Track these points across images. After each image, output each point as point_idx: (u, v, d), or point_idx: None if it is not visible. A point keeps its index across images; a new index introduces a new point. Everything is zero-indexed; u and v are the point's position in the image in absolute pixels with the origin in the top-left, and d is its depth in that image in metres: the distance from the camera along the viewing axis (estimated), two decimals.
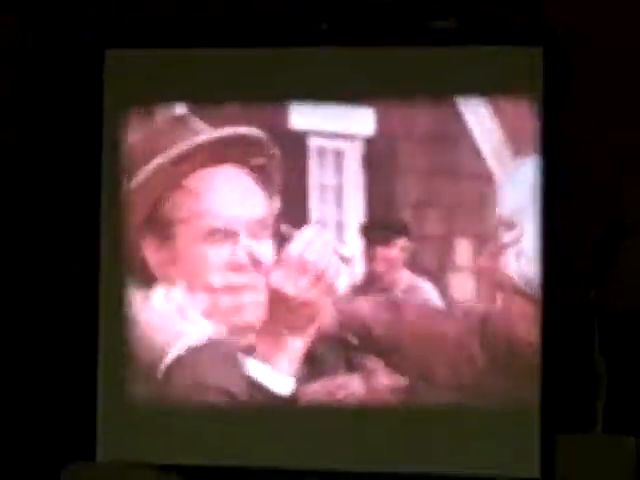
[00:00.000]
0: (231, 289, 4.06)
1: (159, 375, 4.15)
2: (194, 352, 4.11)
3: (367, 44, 4.13)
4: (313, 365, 4.08)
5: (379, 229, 4.05)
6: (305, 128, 4.10)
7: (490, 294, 4.02)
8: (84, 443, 4.12)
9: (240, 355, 4.09)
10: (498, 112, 4.00)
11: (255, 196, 4.05)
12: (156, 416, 4.16)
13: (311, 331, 4.06)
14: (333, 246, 4.01)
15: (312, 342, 4.07)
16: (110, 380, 4.20)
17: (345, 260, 3.99)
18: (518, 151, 4.01)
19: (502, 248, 4.02)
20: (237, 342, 4.09)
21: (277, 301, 3.99)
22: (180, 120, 4.15)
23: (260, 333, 4.06)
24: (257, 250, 4.03)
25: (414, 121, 4.09)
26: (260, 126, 4.08)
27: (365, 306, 4.06)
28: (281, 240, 4.02)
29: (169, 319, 4.18)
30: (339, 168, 4.07)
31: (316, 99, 4.14)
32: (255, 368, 4.07)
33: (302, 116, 4.13)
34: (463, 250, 4.03)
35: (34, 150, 4.38)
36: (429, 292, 4.09)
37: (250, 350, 4.06)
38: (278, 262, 4.01)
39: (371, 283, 4.04)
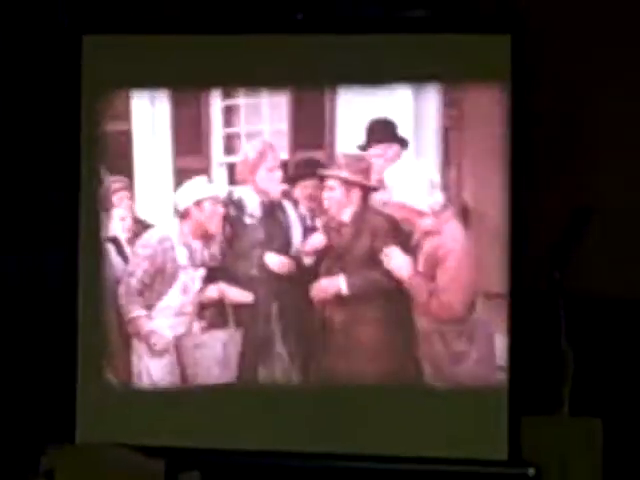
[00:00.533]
0: None
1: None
2: None
3: (341, 32, 4.05)
4: None
5: None
6: None
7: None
8: (63, 427, 4.09)
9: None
10: (466, 97, 4.00)
11: None
12: (133, 398, 4.15)
13: None
14: None
15: None
16: (88, 363, 4.11)
17: None
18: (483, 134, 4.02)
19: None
20: None
21: None
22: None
23: None
24: None
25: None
26: None
27: None
28: None
29: None
30: None
31: (288, 84, 4.08)
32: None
33: None
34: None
35: (13, 135, 4.29)
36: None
37: None
38: None
39: None
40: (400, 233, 4.03)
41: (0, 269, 4.33)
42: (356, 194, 4.05)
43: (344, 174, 4.04)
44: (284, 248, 4.10)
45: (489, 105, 3.98)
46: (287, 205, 4.10)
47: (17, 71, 4.34)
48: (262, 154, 4.08)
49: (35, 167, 4.36)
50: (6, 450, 4.10)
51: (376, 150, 4.03)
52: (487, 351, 3.98)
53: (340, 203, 4.05)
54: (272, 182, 4.09)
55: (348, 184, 4.05)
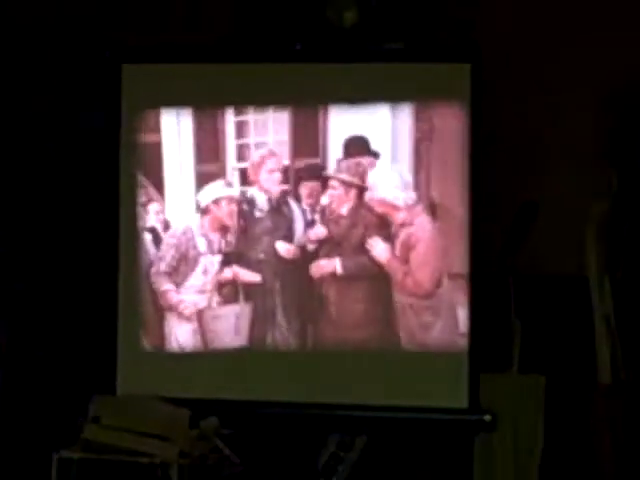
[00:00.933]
0: None
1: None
2: None
3: (331, 61, 4.13)
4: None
5: None
6: None
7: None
8: (107, 382, 4.12)
9: None
10: (434, 113, 4.05)
11: None
12: (163, 359, 4.20)
13: None
14: None
15: None
16: (127, 330, 4.20)
17: None
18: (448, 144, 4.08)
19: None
20: None
21: None
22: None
23: None
24: None
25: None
26: None
27: None
28: None
29: None
30: None
31: (289, 103, 4.12)
32: None
33: None
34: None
35: (65, 144, 4.35)
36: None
37: None
38: None
39: None
40: (383, 225, 4.06)
41: (62, 255, 4.29)
42: (353, 193, 4.08)
43: (344, 176, 4.09)
44: (289, 237, 4.13)
45: (452, 121, 4.04)
46: (291, 202, 4.13)
47: (69, 92, 4.34)
48: (263, 159, 4.11)
49: (83, 172, 4.36)
50: (62, 401, 4.07)
51: (360, 159, 4.08)
52: (451, 321, 4.04)
53: (340, 199, 4.09)
54: (272, 182, 4.12)
55: (346, 184, 4.08)
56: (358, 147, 4.11)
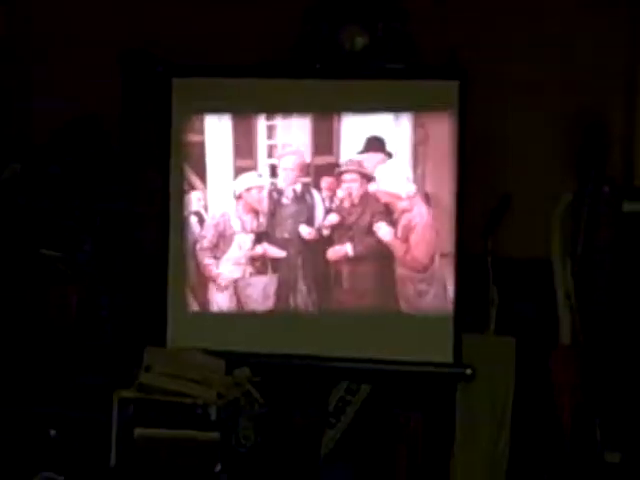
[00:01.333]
0: None
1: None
2: None
3: (345, 78, 4.21)
4: None
5: None
6: None
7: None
8: (159, 337, 4.18)
9: None
10: (429, 122, 4.11)
11: None
12: (205, 318, 4.26)
13: None
14: None
15: None
16: (177, 295, 4.25)
17: None
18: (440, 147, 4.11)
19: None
20: None
21: None
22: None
23: None
24: None
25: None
26: None
27: None
28: None
29: None
30: None
31: (310, 112, 4.19)
32: None
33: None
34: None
35: (130, 144, 4.36)
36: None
37: None
38: None
39: None
40: (387, 212, 4.12)
41: (128, 232, 4.29)
42: (361, 185, 4.14)
43: (353, 167, 4.14)
44: (310, 221, 4.18)
45: (443, 127, 4.09)
46: (313, 192, 4.18)
47: (133, 101, 4.33)
48: (285, 157, 4.21)
49: (140, 166, 4.36)
50: (124, 352, 4.08)
51: (370, 155, 4.14)
52: (441, 290, 4.09)
53: (351, 191, 4.15)
54: (294, 176, 4.20)
55: (356, 175, 4.14)
56: (375, 145, 4.14)
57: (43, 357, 3.80)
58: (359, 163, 4.17)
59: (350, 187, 4.16)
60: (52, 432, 3.67)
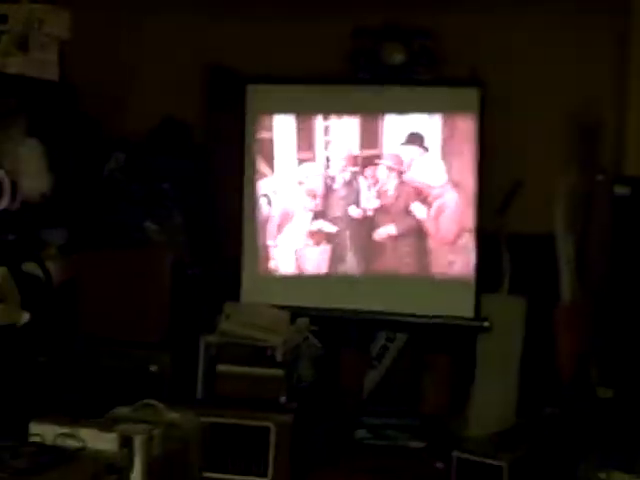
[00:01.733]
0: None
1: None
2: None
3: (387, 84, 4.30)
4: None
5: None
6: None
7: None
8: (234, 294, 4.27)
9: None
10: (455, 121, 4.22)
11: None
12: (272, 280, 4.37)
13: None
14: None
15: None
16: (249, 262, 4.36)
17: None
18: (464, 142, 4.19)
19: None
20: None
21: None
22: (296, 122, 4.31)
23: None
24: None
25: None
26: None
27: None
28: None
29: None
30: None
31: (358, 113, 4.28)
32: None
33: None
34: None
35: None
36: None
37: None
38: None
39: None
40: (422, 196, 4.23)
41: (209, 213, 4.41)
42: (397, 174, 4.25)
43: (390, 163, 4.25)
44: (357, 203, 4.30)
45: (467, 126, 4.18)
46: (360, 179, 4.29)
47: (214, 106, 4.48)
48: (337, 150, 4.31)
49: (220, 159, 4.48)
50: (209, 305, 4.12)
51: (409, 148, 4.24)
52: (465, 259, 4.19)
53: (389, 179, 4.26)
54: (344, 166, 4.31)
55: (392, 169, 4.25)
56: (414, 139, 4.22)
57: (146, 307, 3.91)
58: (398, 155, 4.24)
59: (389, 175, 4.26)
60: (152, 368, 3.80)
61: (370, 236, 4.29)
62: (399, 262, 4.27)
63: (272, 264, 4.39)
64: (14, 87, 3.67)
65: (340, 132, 4.32)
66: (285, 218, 4.37)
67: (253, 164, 4.36)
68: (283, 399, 3.81)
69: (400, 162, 4.26)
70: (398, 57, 4.31)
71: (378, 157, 4.28)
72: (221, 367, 3.93)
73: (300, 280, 4.35)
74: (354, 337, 4.30)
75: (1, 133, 3.66)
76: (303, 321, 4.10)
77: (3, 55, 3.64)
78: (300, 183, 4.36)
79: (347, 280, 4.29)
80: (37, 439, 2.96)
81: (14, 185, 3.56)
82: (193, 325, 4.04)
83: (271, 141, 4.37)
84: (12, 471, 2.76)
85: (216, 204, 4.42)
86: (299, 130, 4.33)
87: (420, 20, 4.29)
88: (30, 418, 2.96)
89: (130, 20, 4.53)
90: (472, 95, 4.17)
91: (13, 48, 3.67)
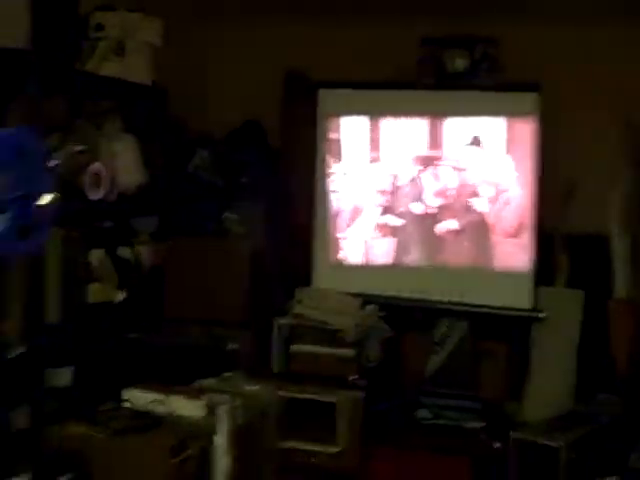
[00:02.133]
0: None
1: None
2: None
3: (450, 89, 4.34)
4: None
5: None
6: None
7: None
8: (306, 281, 4.36)
9: None
10: (515, 124, 4.23)
11: None
12: (342, 269, 4.41)
13: None
14: None
15: None
16: (321, 251, 4.42)
17: None
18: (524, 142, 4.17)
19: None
20: None
21: None
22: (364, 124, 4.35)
23: None
24: None
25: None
26: None
27: None
28: None
29: None
30: None
31: (425, 115, 4.28)
32: None
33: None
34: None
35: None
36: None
37: None
38: None
39: None
40: (482, 194, 4.24)
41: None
42: (459, 174, 4.29)
43: (453, 163, 4.30)
44: (420, 200, 4.35)
45: (526, 127, 4.18)
46: (423, 177, 4.33)
47: (288, 108, 4.52)
48: (402, 150, 4.34)
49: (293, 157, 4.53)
50: (283, 290, 4.23)
51: (472, 149, 4.27)
52: (524, 254, 4.18)
53: (451, 178, 4.30)
54: (409, 165, 4.35)
55: (454, 168, 4.29)
56: (476, 141, 4.25)
57: (227, 290, 4.00)
58: (461, 156, 4.28)
59: (452, 174, 4.30)
60: (232, 345, 3.91)
61: (432, 230, 4.33)
62: (460, 254, 4.29)
63: (342, 254, 4.45)
64: (110, 89, 3.87)
65: (406, 134, 4.37)
66: (355, 212, 4.43)
67: (324, 163, 4.44)
68: (353, 377, 3.89)
69: (462, 162, 4.30)
70: (461, 63, 4.36)
71: (441, 158, 4.32)
72: (295, 347, 4.03)
73: (368, 269, 4.39)
74: (418, 323, 4.32)
75: (99, 131, 3.86)
76: (372, 308, 4.16)
77: (100, 60, 3.85)
78: (369, 180, 4.42)
79: (412, 270, 4.34)
80: (130, 405, 3.11)
81: (111, 178, 3.75)
82: (268, 309, 4.14)
83: (342, 141, 4.45)
84: (111, 431, 2.96)
85: (290, 199, 4.49)
86: (367, 131, 4.39)
87: (482, 29, 4.32)
88: (123, 387, 3.13)
89: (213, 27, 4.63)
90: (531, 99, 4.17)
91: (110, 53, 3.87)
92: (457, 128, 4.30)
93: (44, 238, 2.64)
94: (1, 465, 2.11)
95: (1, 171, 2.39)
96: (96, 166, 3.66)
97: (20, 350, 2.31)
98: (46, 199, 2.49)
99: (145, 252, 4.05)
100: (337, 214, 4.46)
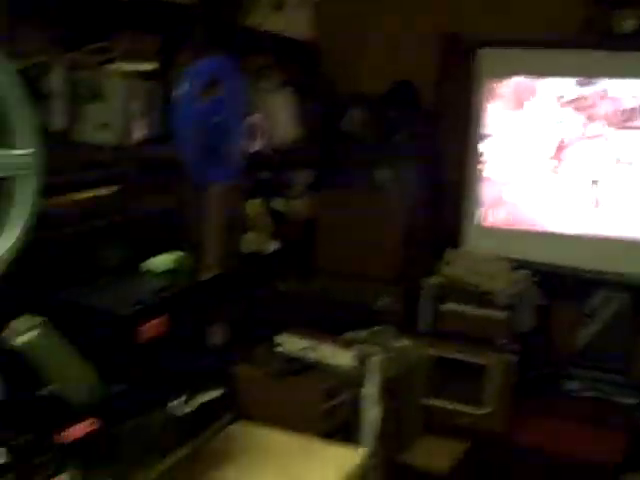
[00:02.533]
0: None
1: None
2: None
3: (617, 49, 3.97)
4: None
5: None
6: None
7: None
8: (455, 242, 4.20)
9: None
10: None
11: None
12: (485, 231, 4.28)
13: None
14: None
15: None
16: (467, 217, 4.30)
17: None
18: None
19: None
20: None
21: None
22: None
23: None
24: None
25: None
26: None
27: None
28: None
29: None
30: None
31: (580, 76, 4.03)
32: None
33: None
34: None
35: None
36: None
37: None
38: None
39: None
40: None
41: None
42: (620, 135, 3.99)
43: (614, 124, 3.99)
44: (577, 167, 4.06)
45: None
46: (586, 143, 4.03)
47: (444, 70, 4.30)
48: (565, 113, 4.06)
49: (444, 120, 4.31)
50: (431, 252, 4.09)
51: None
52: None
53: (613, 139, 3.99)
54: (569, 128, 4.06)
55: (616, 127, 3.99)
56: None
57: (380, 246, 3.88)
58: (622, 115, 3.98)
59: (614, 134, 4.02)
60: (382, 301, 3.73)
61: (592, 196, 4.09)
62: (621, 224, 4.05)
63: (491, 218, 4.31)
64: (269, 44, 3.81)
65: (568, 95, 4.14)
66: (507, 176, 4.26)
67: (478, 124, 4.28)
68: (504, 341, 3.75)
69: (623, 121, 4.01)
70: (630, 24, 3.99)
71: (605, 118, 4.06)
72: (444, 307, 3.91)
73: (518, 234, 4.23)
74: (571, 293, 4.10)
75: (258, 85, 3.81)
76: (525, 272, 3.99)
77: (261, 15, 3.79)
78: (524, 144, 4.22)
79: (567, 237, 4.14)
80: (282, 350, 3.10)
81: (268, 131, 3.71)
82: (417, 267, 4.04)
83: (499, 103, 4.26)
84: (266, 372, 2.94)
85: (443, 159, 4.35)
86: (527, 93, 4.19)
87: None
88: (275, 332, 3.10)
89: None
90: None
91: (270, 9, 3.81)
92: (621, 90, 4.03)
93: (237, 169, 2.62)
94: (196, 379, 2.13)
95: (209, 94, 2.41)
96: (254, 118, 3.62)
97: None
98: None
99: (298, 205, 4.01)
100: (489, 177, 4.30)
